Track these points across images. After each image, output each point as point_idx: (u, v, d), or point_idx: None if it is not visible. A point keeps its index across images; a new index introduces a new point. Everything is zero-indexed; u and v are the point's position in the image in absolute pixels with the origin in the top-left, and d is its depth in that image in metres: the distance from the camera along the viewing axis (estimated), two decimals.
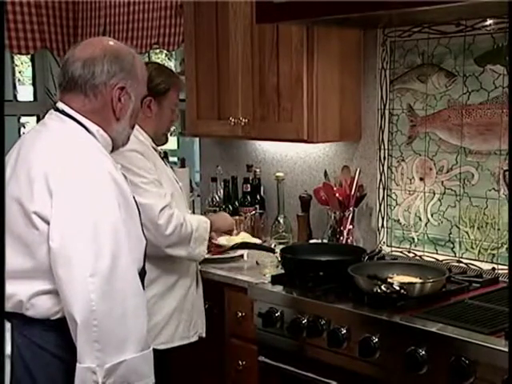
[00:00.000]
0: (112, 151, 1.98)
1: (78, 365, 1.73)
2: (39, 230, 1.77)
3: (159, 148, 2.68)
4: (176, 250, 2.49)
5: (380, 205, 3.02)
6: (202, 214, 3.29)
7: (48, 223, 1.75)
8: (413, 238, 2.92)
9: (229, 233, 2.80)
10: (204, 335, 2.71)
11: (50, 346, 1.82)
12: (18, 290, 1.81)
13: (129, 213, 1.84)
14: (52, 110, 1.96)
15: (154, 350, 2.38)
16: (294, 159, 3.35)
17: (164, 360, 2.48)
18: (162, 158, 2.64)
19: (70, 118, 1.90)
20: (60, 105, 1.93)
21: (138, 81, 1.97)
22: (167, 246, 2.46)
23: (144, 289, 1.98)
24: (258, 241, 2.95)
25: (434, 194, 2.83)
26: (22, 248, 1.81)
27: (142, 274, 1.96)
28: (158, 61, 4.52)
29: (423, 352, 2.06)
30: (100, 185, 1.78)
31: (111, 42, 1.97)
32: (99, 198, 1.77)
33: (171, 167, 2.79)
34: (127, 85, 1.92)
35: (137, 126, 2.49)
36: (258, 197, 3.41)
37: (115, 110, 1.92)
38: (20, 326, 1.84)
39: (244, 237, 2.88)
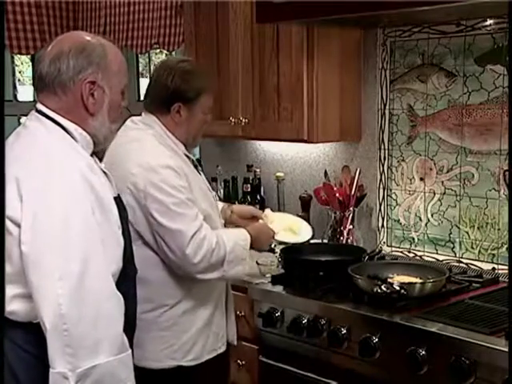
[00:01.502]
0: (95, 148, 1.92)
1: (50, 370, 1.70)
2: (12, 234, 1.74)
3: (192, 153, 2.52)
4: (207, 275, 2.31)
5: (380, 205, 3.01)
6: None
7: (20, 227, 1.72)
8: (413, 238, 2.92)
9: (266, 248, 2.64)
10: (235, 343, 2.54)
11: (33, 349, 1.79)
12: None
13: (104, 214, 1.78)
14: (33, 111, 1.91)
15: (183, 367, 2.32)
16: (294, 159, 3.35)
17: (192, 376, 2.37)
18: (195, 167, 2.47)
19: (48, 119, 1.85)
20: (38, 105, 1.88)
21: (112, 72, 1.88)
22: (197, 273, 2.29)
23: (135, 288, 1.96)
24: (307, 228, 2.74)
25: (434, 194, 2.83)
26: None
27: (132, 273, 1.93)
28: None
29: (423, 352, 2.06)
30: (70, 188, 1.74)
31: (85, 36, 1.89)
32: (69, 202, 1.72)
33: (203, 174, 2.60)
34: (98, 78, 1.84)
35: (168, 133, 2.35)
36: (258, 197, 3.41)
37: (87, 105, 1.85)
38: (4, 328, 1.82)
39: (285, 225, 2.68)
